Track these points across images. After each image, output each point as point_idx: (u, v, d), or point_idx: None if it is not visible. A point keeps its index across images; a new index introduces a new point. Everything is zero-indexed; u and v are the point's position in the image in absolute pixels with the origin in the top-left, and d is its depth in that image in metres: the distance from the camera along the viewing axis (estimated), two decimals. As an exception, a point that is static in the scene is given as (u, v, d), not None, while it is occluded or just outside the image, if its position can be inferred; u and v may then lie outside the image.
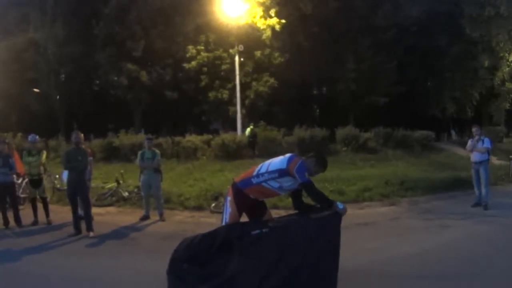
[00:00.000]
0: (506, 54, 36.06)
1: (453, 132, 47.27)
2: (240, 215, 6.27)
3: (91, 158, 12.09)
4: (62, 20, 33.70)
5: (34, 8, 34.95)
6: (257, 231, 5.77)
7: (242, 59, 30.71)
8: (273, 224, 5.97)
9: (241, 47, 28.93)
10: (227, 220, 6.22)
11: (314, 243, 5.69)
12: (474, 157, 12.94)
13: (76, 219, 10.43)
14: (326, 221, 5.94)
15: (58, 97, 37.01)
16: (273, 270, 5.53)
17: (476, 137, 12.92)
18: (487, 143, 12.76)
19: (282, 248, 5.61)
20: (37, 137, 12.45)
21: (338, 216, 5.99)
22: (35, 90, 36.78)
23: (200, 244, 5.89)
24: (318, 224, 5.89)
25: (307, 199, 6.47)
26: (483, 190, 12.64)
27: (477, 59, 36.46)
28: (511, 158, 19.70)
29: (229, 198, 6.31)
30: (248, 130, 28.00)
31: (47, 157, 13.39)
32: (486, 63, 36.13)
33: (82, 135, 10.84)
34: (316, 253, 5.67)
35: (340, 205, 6.04)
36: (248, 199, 6.23)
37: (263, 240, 5.69)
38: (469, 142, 13.18)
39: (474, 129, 13.22)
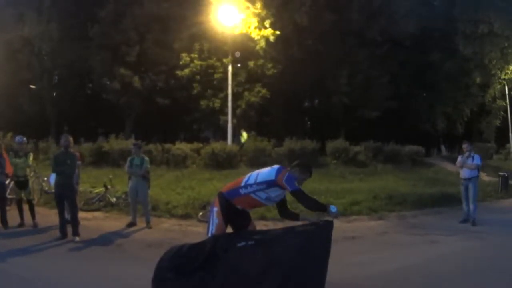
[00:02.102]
0: (498, 72, 36.47)
1: (443, 148, 47.45)
2: (226, 226, 6.27)
3: (79, 162, 12.03)
4: (58, 21, 33.62)
5: (30, 8, 34.86)
6: (243, 243, 5.74)
7: (238, 65, 30.73)
8: (259, 237, 5.93)
9: (237, 54, 28.90)
10: (213, 231, 6.19)
11: (301, 256, 5.63)
12: (464, 173, 13.00)
13: (63, 222, 10.37)
14: (314, 234, 5.90)
15: (52, 97, 36.89)
16: (259, 283, 5.49)
17: (466, 153, 12.98)
18: (477, 160, 12.83)
19: (268, 261, 5.56)
20: (24, 138, 12.35)
21: (328, 229, 5.95)
22: (31, 86, 36.63)
23: (186, 254, 5.86)
24: (305, 237, 5.84)
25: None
26: (471, 206, 12.72)
27: (470, 75, 36.77)
28: (500, 175, 19.81)
29: (215, 209, 6.29)
30: (245, 135, 28.27)
31: (35, 158, 13.34)
32: (478, 80, 36.45)
33: (71, 138, 10.80)
34: (303, 266, 5.61)
35: (333, 208, 6.05)
36: (235, 209, 6.22)
37: (248, 252, 5.65)
38: (459, 158, 13.25)
39: (464, 145, 13.29)
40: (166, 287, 5.70)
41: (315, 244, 5.77)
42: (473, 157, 12.88)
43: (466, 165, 12.94)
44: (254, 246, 5.72)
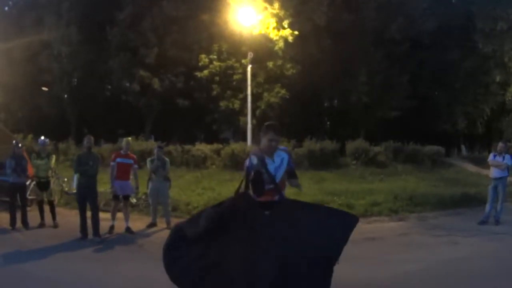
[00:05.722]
0: (519, 69, 35.96)
1: (463, 148, 47.03)
2: None
3: (136, 165, 12.07)
4: (77, 24, 33.78)
5: (49, 11, 35.11)
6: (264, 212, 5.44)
7: (250, 66, 30.70)
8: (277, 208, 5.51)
9: (250, 54, 28.72)
10: None
11: (317, 234, 5.30)
12: (494, 172, 12.90)
13: (83, 223, 10.45)
14: (336, 217, 5.61)
15: (71, 99, 37.16)
16: (265, 253, 5.20)
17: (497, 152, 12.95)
18: (507, 160, 12.69)
19: (282, 234, 5.15)
20: (47, 140, 12.51)
21: (352, 221, 5.64)
22: (44, 88, 36.89)
23: (198, 222, 5.66)
24: (327, 215, 5.58)
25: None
26: (499, 206, 12.66)
27: (489, 74, 36.29)
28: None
29: None
30: None
31: (56, 159, 13.44)
32: (498, 78, 35.97)
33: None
34: (317, 245, 5.27)
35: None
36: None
37: (264, 220, 5.37)
38: (491, 157, 13.13)
39: (501, 144, 13.20)
40: (177, 252, 5.61)
41: (335, 226, 5.41)
42: (503, 157, 12.78)
43: (494, 163, 12.85)
44: (270, 216, 5.40)
